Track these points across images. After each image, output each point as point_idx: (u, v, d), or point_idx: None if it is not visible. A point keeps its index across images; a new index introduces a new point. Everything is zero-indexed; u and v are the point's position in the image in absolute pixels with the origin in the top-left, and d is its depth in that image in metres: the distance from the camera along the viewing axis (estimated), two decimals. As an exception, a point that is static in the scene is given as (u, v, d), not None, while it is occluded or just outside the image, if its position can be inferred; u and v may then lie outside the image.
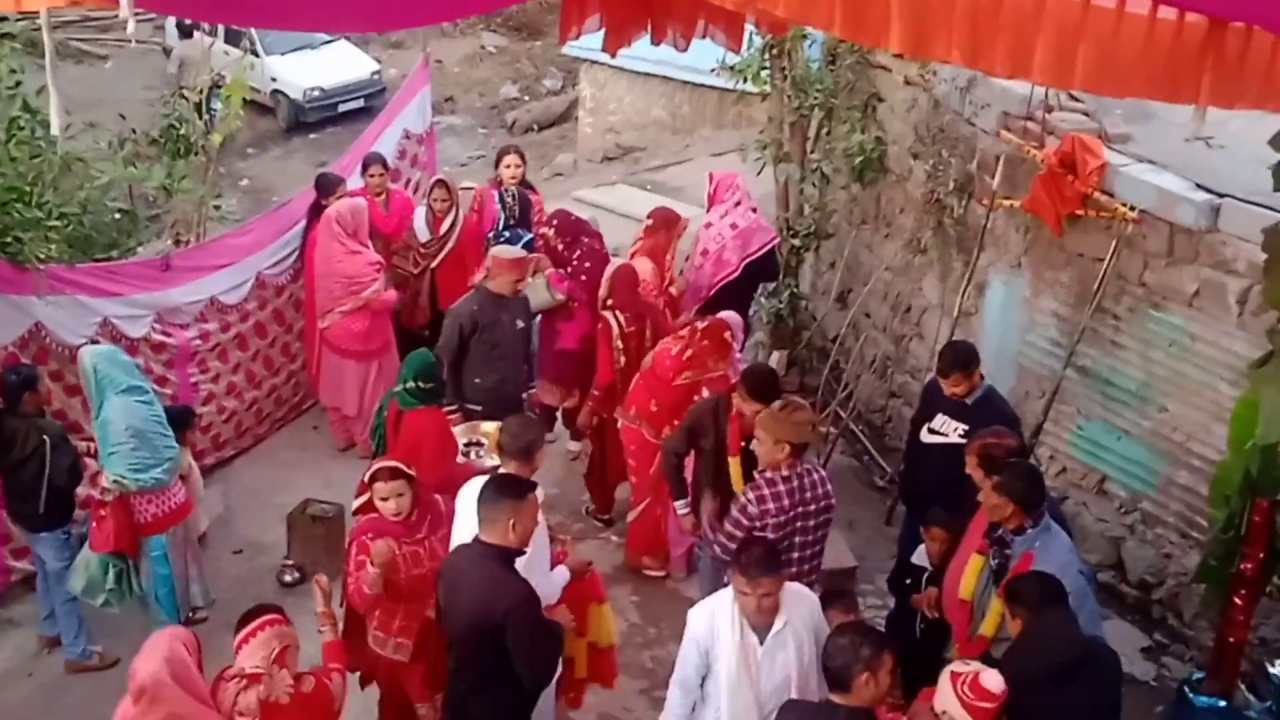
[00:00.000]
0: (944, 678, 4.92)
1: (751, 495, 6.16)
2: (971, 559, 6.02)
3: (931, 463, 7.12)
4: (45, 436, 7.22)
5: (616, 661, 6.77)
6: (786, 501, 6.12)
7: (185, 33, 21.04)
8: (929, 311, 9.60)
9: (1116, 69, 3.68)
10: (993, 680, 4.81)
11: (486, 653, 5.35)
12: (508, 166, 10.06)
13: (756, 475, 6.30)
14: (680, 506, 7.38)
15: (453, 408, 8.15)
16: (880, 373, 10.13)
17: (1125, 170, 7.73)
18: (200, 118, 10.13)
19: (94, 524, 7.11)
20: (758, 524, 6.11)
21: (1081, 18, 3.53)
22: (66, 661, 7.51)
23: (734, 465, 6.90)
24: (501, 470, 6.10)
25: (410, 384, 7.26)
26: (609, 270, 8.70)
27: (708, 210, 9.58)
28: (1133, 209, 7.57)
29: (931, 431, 7.19)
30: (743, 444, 6.81)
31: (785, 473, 6.16)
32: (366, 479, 6.20)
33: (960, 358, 7.07)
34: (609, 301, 8.43)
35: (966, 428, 6.90)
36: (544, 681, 5.73)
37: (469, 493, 5.96)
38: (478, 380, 8.29)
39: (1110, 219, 7.73)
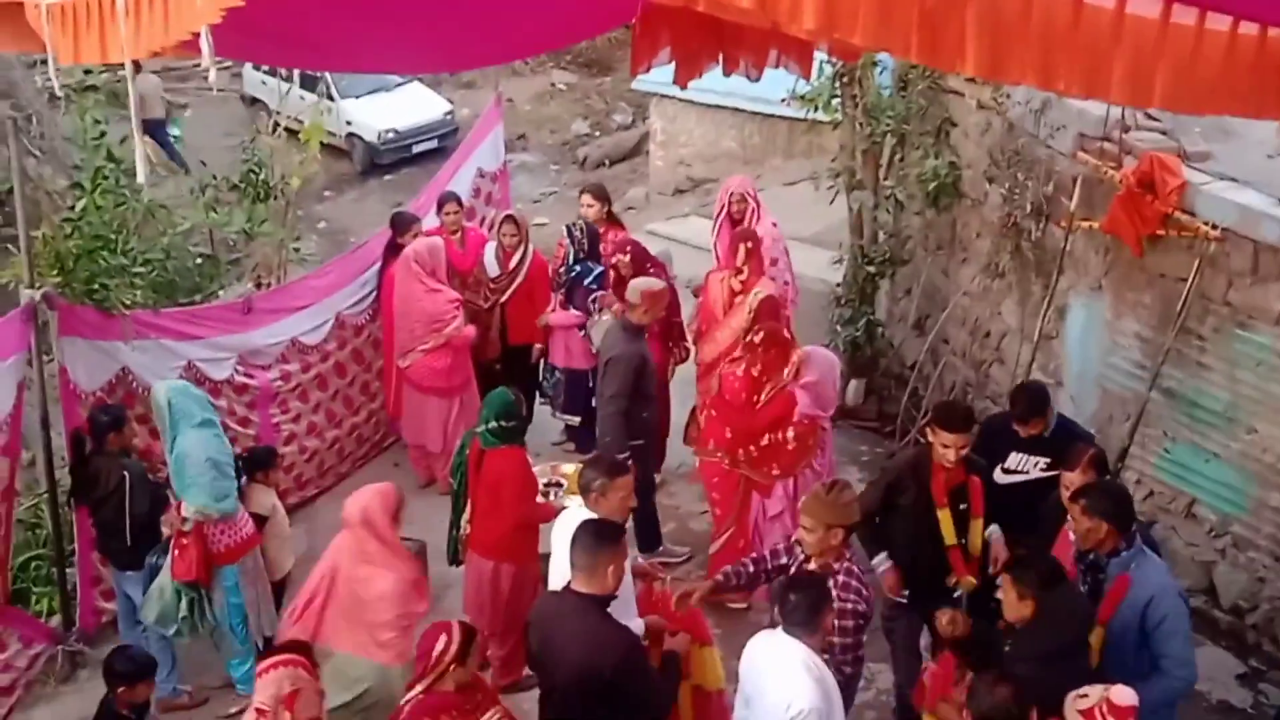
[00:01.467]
0: (1071, 712, 4.82)
1: (851, 596, 5.72)
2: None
3: (1007, 504, 6.82)
4: (126, 473, 7.38)
5: (726, 706, 6.17)
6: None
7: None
8: (1009, 336, 9.50)
9: (1196, 86, 3.63)
10: (1124, 694, 4.75)
11: (591, 705, 5.25)
12: (583, 205, 10.15)
13: (840, 573, 5.79)
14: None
15: (625, 455, 7.56)
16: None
17: (1206, 188, 7.62)
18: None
19: (176, 553, 7.20)
20: (864, 619, 5.79)
21: (1160, 36, 3.49)
22: (158, 701, 7.61)
23: (944, 517, 6.57)
24: (586, 513, 5.98)
25: (492, 424, 7.26)
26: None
27: (727, 223, 9.84)
28: (1214, 227, 7.45)
29: (1006, 471, 7.02)
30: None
31: (849, 561, 5.89)
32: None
33: (1036, 403, 6.94)
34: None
35: (1049, 460, 6.79)
36: (666, 715, 5.63)
37: (563, 532, 5.97)
38: (644, 415, 8.33)
39: (1192, 238, 7.62)
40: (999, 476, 7.01)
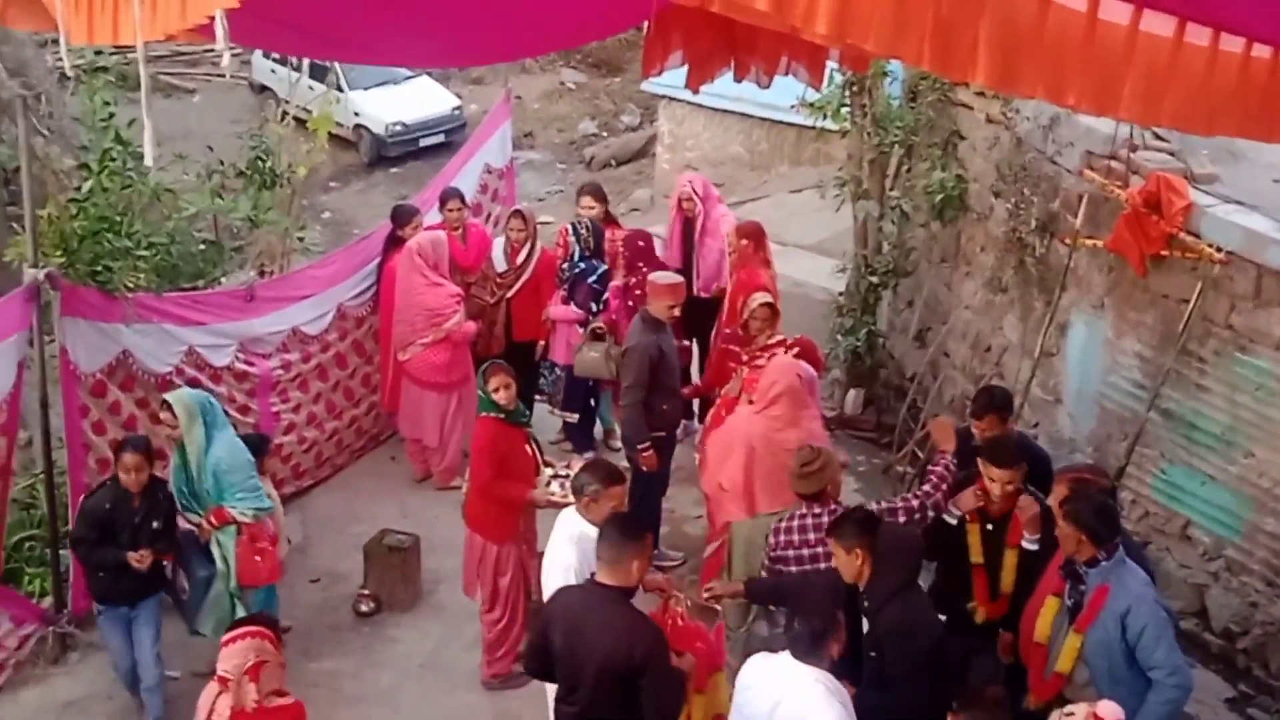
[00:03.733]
0: None
1: (771, 536, 6.47)
2: (1047, 601, 5.96)
3: None
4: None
5: None
6: (812, 536, 6.33)
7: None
8: (1009, 351, 9.50)
9: (1207, 107, 3.64)
10: (1110, 709, 4.78)
11: (616, 697, 5.29)
12: (581, 207, 10.18)
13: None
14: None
15: (646, 444, 8.24)
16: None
17: (1212, 211, 7.62)
18: None
19: (257, 558, 7.28)
20: (779, 564, 6.42)
21: (1172, 55, 3.49)
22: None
23: (973, 533, 6.53)
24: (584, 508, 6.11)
25: (485, 391, 7.47)
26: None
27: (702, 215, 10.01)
28: (1219, 250, 7.45)
29: None
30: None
31: (804, 510, 6.44)
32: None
33: (995, 402, 7.01)
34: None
35: None
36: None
37: (560, 532, 6.07)
38: (665, 407, 8.36)
39: (1196, 260, 7.61)
40: None
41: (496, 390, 7.31)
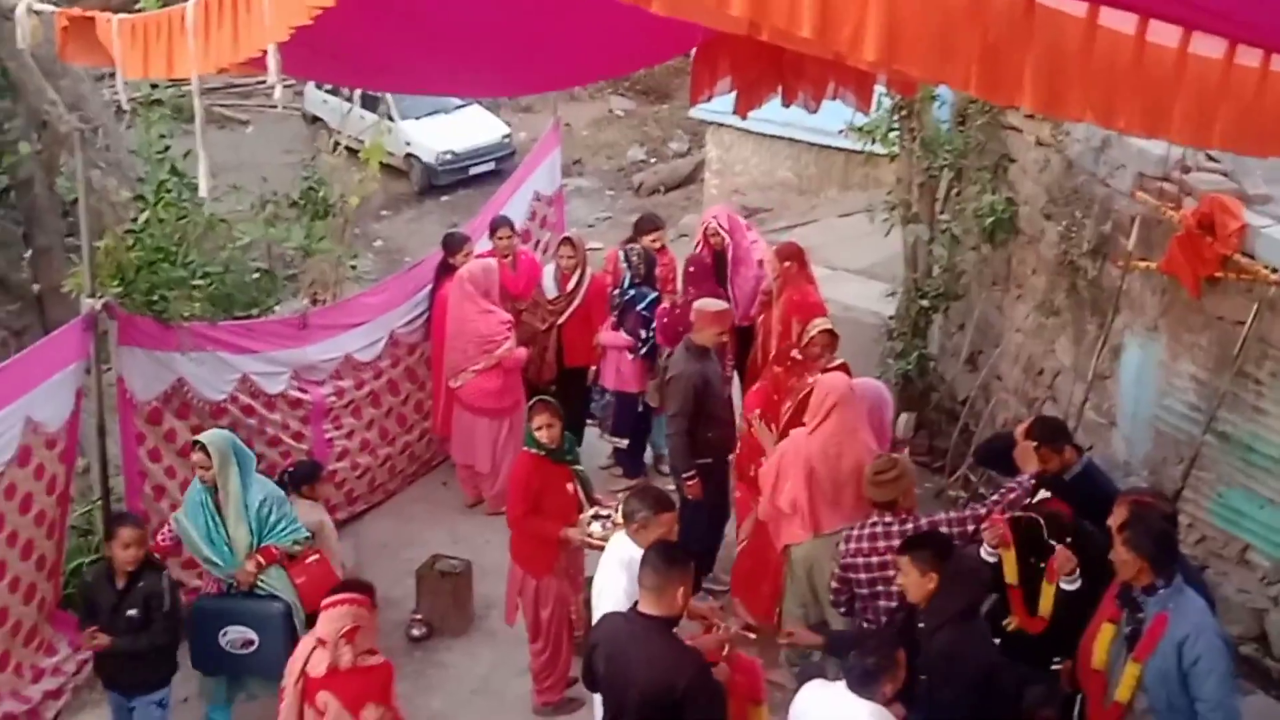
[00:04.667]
0: None
1: (843, 544, 6.69)
2: (1103, 628, 5.88)
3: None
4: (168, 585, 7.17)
5: None
6: (882, 544, 6.48)
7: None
8: (1062, 374, 9.43)
9: (1259, 128, 3.60)
10: None
11: None
12: (646, 239, 10.25)
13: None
14: None
15: (692, 473, 8.28)
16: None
17: (1267, 231, 7.53)
18: None
19: (302, 579, 7.30)
20: (850, 571, 6.62)
21: (1223, 76, 3.47)
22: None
23: (1008, 560, 6.50)
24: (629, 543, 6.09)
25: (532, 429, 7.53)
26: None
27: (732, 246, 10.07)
28: (1274, 271, 7.37)
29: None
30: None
31: (875, 518, 6.63)
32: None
33: (1048, 431, 6.96)
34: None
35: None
36: None
37: (615, 552, 6.10)
38: (710, 435, 8.37)
39: (1251, 281, 7.53)
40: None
41: (540, 428, 7.41)
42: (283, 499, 7.37)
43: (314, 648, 5.98)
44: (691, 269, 9.67)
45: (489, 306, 9.40)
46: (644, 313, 9.65)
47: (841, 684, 5.22)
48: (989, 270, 10.51)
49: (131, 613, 6.78)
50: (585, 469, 8.14)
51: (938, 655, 5.69)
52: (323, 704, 5.89)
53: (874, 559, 6.51)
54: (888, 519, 6.58)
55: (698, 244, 10.23)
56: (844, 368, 8.28)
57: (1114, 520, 6.01)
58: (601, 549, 6.68)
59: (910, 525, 6.58)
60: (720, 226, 10.05)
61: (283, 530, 7.25)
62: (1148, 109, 3.55)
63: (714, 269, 9.93)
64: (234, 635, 7.17)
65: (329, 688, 5.88)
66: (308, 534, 7.40)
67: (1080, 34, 3.42)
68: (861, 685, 5.13)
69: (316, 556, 7.44)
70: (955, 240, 10.44)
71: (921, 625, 5.84)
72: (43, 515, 7.44)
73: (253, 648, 7.17)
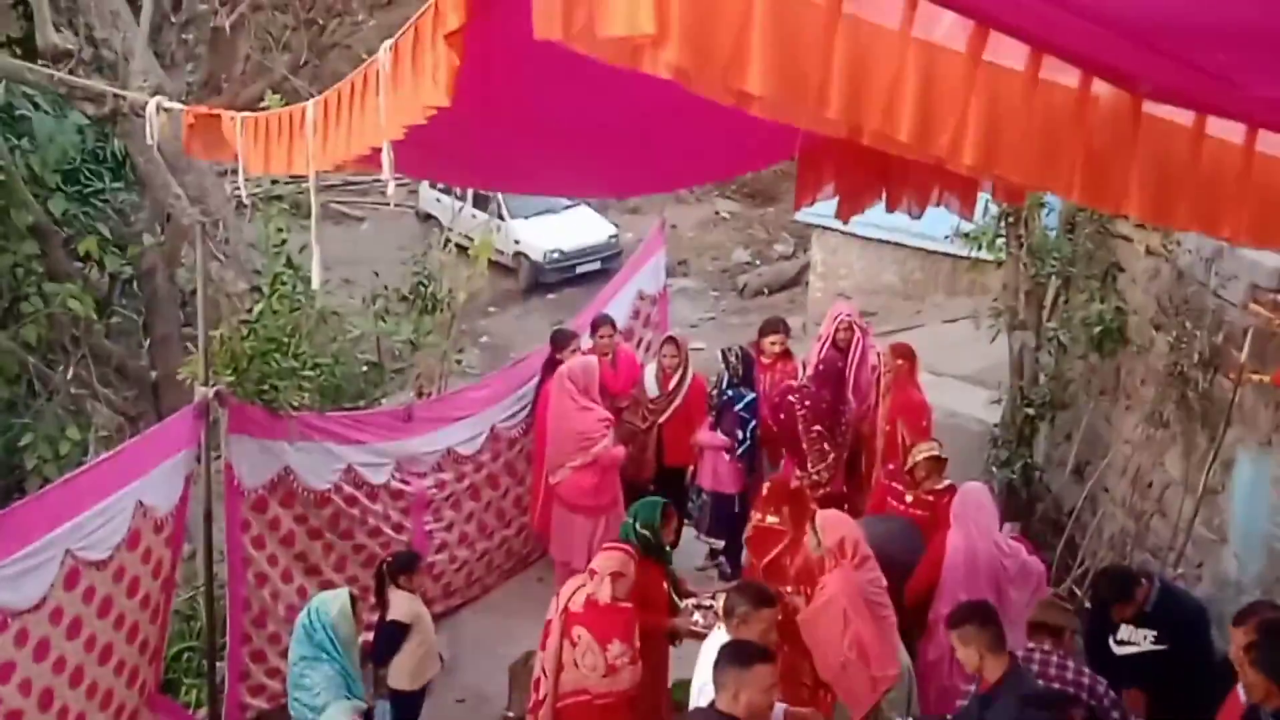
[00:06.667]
0: None
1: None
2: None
3: (1129, 674, 6.79)
4: None
5: None
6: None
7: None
8: (1171, 488, 9.20)
9: (1372, 239, 3.55)
10: None
11: None
12: (769, 341, 10.35)
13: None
14: None
15: None
16: (1119, 550, 9.71)
17: (1385, 345, 7.36)
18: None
19: None
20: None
21: (1334, 187, 3.42)
22: None
23: None
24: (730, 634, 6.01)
25: (632, 523, 7.57)
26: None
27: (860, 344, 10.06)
28: (1393, 387, 7.18)
29: (1120, 643, 6.95)
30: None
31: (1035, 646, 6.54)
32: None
33: (1113, 589, 6.96)
34: None
35: (1156, 633, 6.77)
36: None
37: (708, 654, 6.03)
38: None
39: (1369, 396, 7.34)
40: (1115, 649, 6.99)
41: (665, 530, 7.66)
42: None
43: (580, 585, 6.96)
44: (821, 367, 9.64)
45: (588, 403, 9.45)
46: (742, 413, 9.64)
47: None
48: (1097, 380, 10.35)
49: None
50: (682, 570, 8.12)
51: None
52: (576, 636, 6.84)
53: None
54: (1046, 648, 6.49)
55: (823, 339, 10.18)
56: (951, 490, 8.17)
57: (1237, 642, 5.83)
58: (704, 637, 6.70)
59: (1071, 665, 6.46)
60: (855, 322, 10.06)
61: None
62: (1256, 219, 3.50)
63: (836, 367, 9.87)
64: None
65: (583, 622, 6.84)
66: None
67: (1186, 142, 3.39)
68: None
69: None
70: (1063, 348, 10.31)
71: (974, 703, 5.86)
72: (148, 599, 7.54)
73: None
